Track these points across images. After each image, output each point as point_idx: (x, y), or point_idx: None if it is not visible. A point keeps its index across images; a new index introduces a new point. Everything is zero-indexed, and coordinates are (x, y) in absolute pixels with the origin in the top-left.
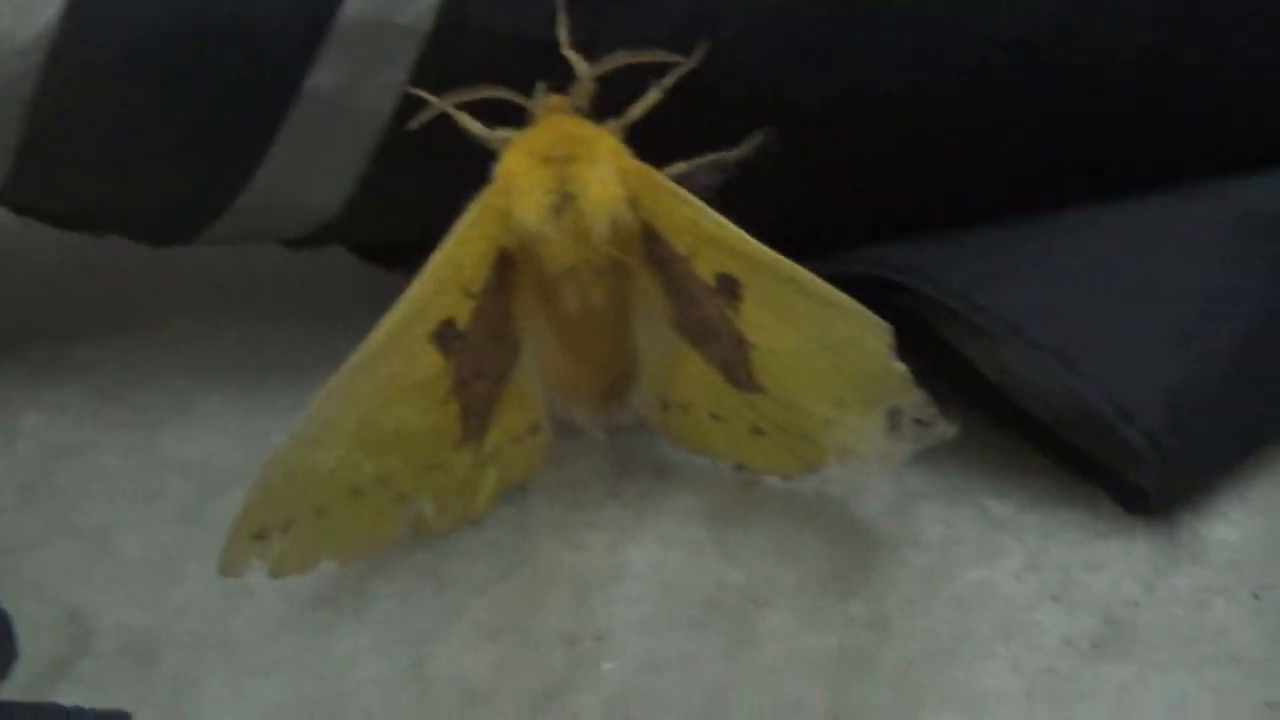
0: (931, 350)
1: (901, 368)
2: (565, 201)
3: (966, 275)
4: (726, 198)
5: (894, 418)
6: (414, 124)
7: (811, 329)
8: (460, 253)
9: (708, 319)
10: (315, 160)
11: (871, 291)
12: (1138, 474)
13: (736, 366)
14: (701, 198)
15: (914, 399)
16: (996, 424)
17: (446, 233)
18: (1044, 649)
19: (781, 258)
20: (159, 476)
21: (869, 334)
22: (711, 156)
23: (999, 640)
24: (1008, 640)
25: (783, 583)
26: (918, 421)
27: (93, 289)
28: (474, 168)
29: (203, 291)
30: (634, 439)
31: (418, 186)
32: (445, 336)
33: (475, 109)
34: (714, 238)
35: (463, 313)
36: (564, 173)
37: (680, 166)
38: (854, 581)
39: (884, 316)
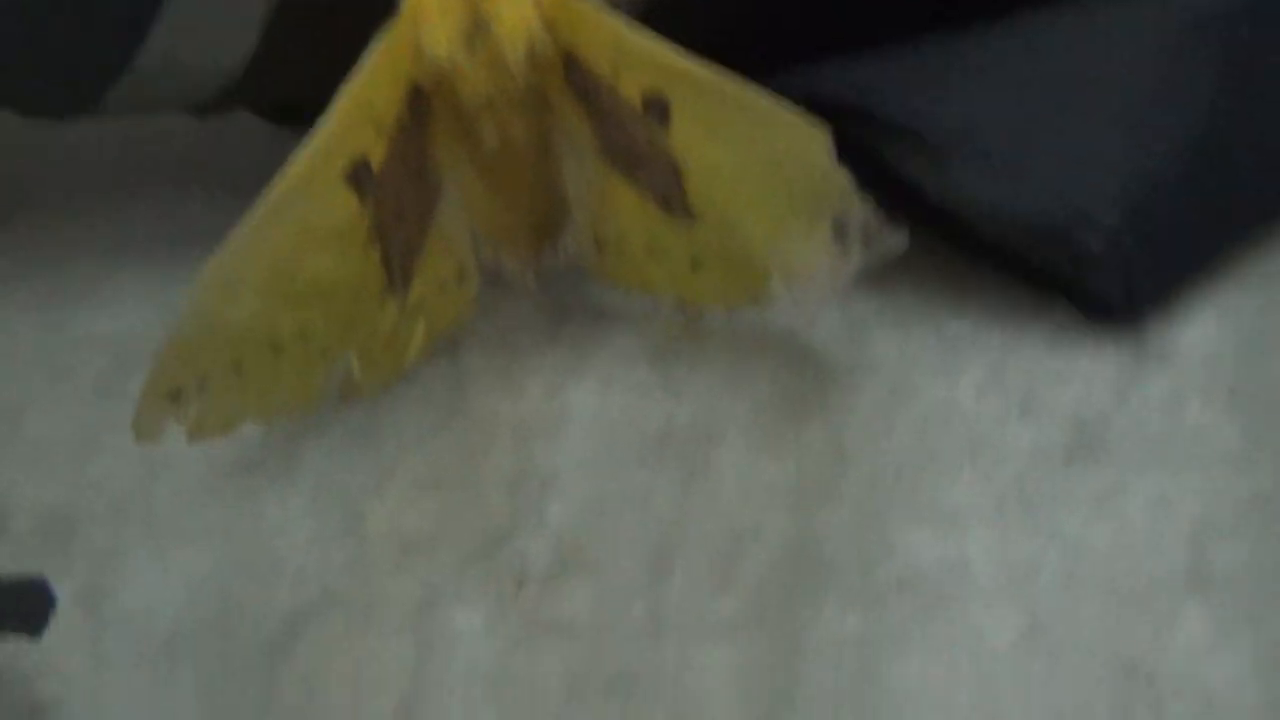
0: (873, 176)
1: (844, 174)
2: (477, 29)
3: (906, 90)
4: (649, 23)
5: (840, 229)
6: None
7: (747, 144)
8: (368, 88)
9: (636, 144)
10: (213, 15)
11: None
12: (1099, 280)
13: (670, 193)
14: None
15: (859, 207)
16: (947, 244)
17: None
18: (1014, 461)
19: (711, 71)
20: (71, 353)
21: (807, 142)
22: None
23: (966, 457)
24: (975, 456)
25: (734, 415)
26: (864, 231)
27: None
28: (381, 17)
29: (107, 167)
30: (568, 282)
31: (322, 39)
32: (359, 177)
33: None
34: (638, 54)
35: (376, 151)
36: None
37: None
38: (809, 407)
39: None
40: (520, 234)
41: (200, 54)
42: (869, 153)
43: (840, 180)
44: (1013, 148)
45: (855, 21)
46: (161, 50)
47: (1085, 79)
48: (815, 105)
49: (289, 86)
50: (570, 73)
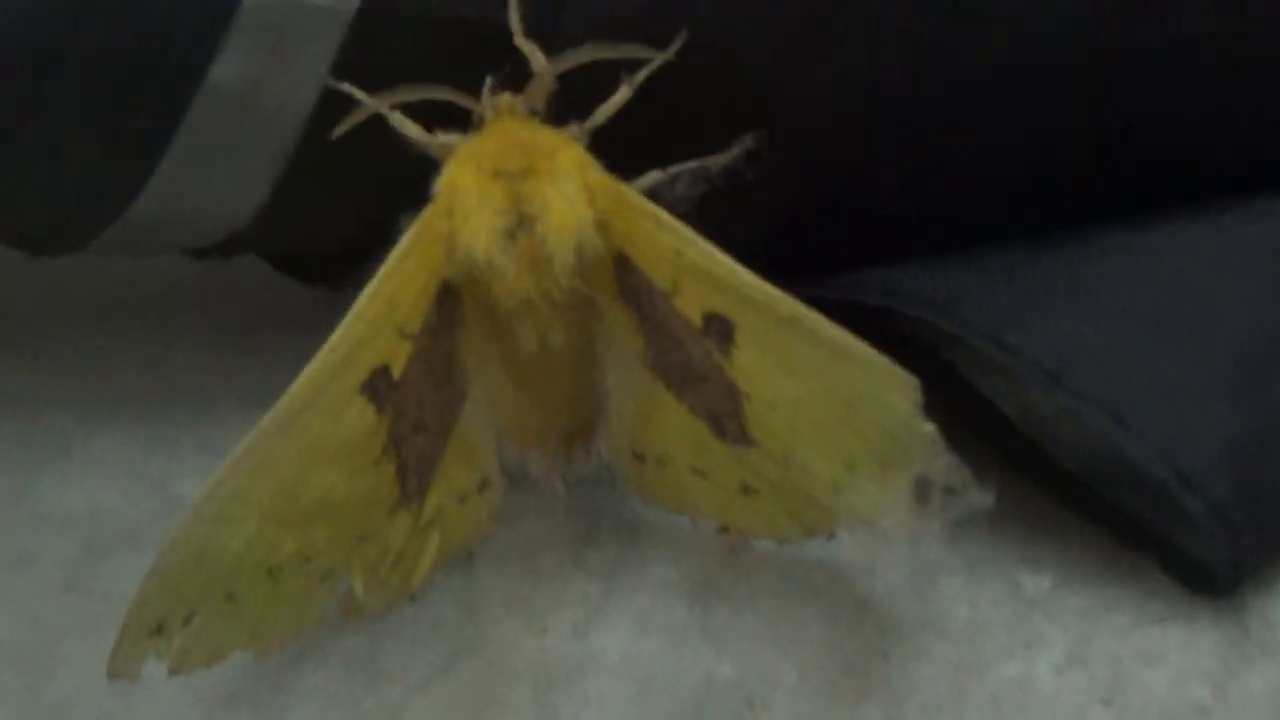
0: (946, 387)
1: (930, 428)
2: (521, 225)
3: (991, 309)
4: (707, 212)
5: (921, 487)
6: (342, 127)
7: (819, 379)
8: (395, 288)
9: (692, 362)
10: (222, 163)
11: (876, 318)
12: (1199, 548)
13: (726, 417)
14: (679, 212)
15: (944, 464)
16: (1027, 480)
17: (374, 245)
18: None
19: (782, 295)
20: (34, 535)
21: (891, 388)
22: (691, 164)
23: None
24: None
25: (782, 678)
26: (947, 490)
27: None
28: (410, 173)
29: (91, 304)
30: (600, 494)
31: (341, 196)
32: (378, 387)
33: (412, 107)
34: (701, 270)
35: (398, 358)
36: (519, 189)
37: (654, 176)
38: (868, 678)
39: (889, 346)
40: (551, 437)
41: (204, 204)
42: (943, 366)
43: (925, 433)
44: (1111, 384)
45: (935, 222)
46: (161, 198)
47: (1194, 311)
48: (887, 315)
49: (298, 239)
50: (622, 274)
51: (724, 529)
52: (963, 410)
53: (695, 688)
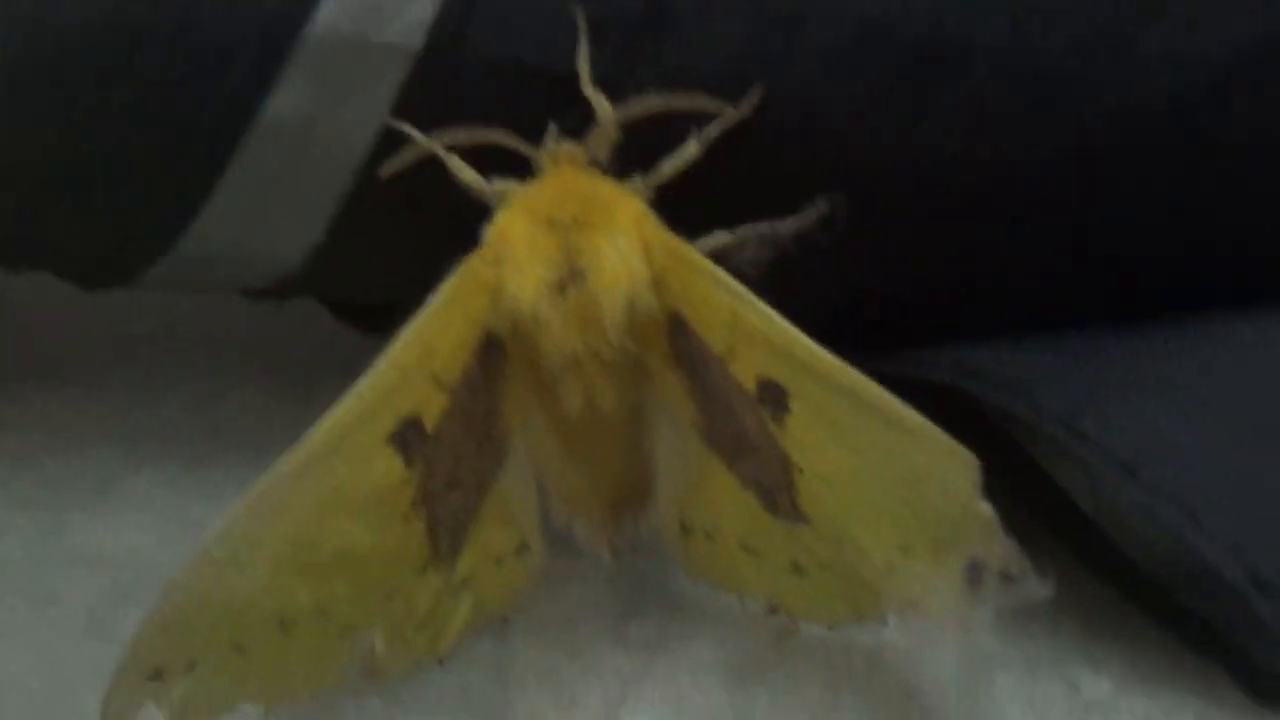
0: (1017, 477)
1: (988, 510)
2: (572, 278)
3: (1067, 394)
4: (775, 279)
5: (974, 571)
6: (392, 166)
7: (876, 454)
8: (433, 334)
9: (745, 432)
10: (274, 202)
11: (945, 399)
12: (1271, 656)
13: (777, 491)
14: (745, 277)
15: (1000, 549)
16: (1092, 574)
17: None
18: None
19: (842, 364)
20: (63, 573)
21: (950, 467)
22: (761, 227)
23: None
24: None
25: None
26: (1003, 576)
27: (11, 333)
28: (465, 223)
29: (146, 341)
30: (645, 565)
31: (395, 241)
32: (408, 438)
33: (470, 152)
34: (758, 334)
35: (432, 409)
36: (573, 241)
37: (721, 238)
38: None
39: (961, 430)
40: (598, 502)
41: (254, 245)
42: (1017, 454)
43: (983, 515)
44: (1187, 480)
45: (1014, 303)
46: (210, 235)
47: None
48: (956, 391)
49: (351, 285)
50: (676, 337)
51: (773, 610)
52: (1032, 501)
53: None
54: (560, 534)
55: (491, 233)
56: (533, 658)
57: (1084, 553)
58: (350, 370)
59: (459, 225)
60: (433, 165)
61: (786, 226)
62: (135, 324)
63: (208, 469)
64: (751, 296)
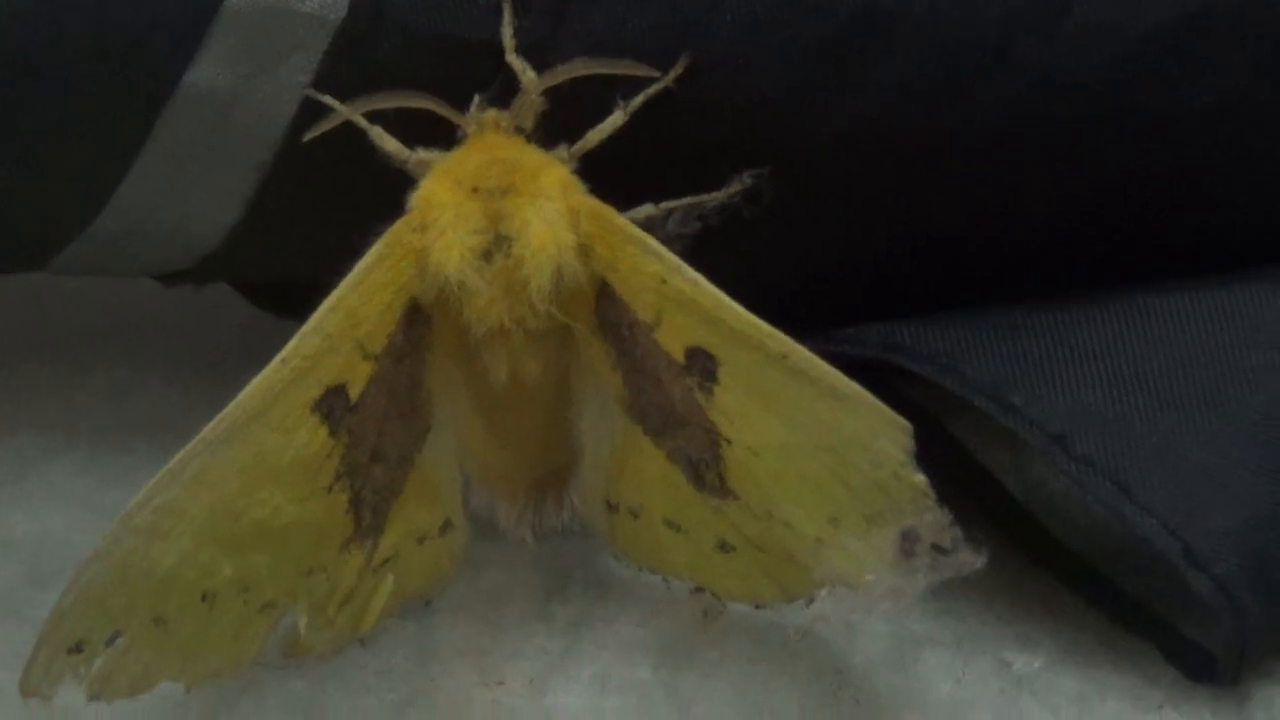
0: (943, 459)
1: (920, 478)
2: (498, 244)
3: (996, 368)
4: (700, 253)
5: (908, 542)
6: (312, 134)
7: (806, 423)
8: (358, 301)
9: (671, 404)
10: (194, 177)
11: (870, 378)
12: (1204, 633)
13: (705, 466)
14: (670, 251)
15: (933, 520)
16: (1021, 554)
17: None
18: None
19: (772, 330)
20: None
21: (882, 434)
22: (686, 200)
23: None
24: None
25: None
26: (935, 548)
27: None
28: (390, 196)
29: (59, 330)
30: (569, 546)
31: (317, 216)
32: (332, 407)
33: (393, 122)
34: (687, 301)
35: (357, 378)
36: (498, 208)
37: (646, 209)
38: None
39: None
40: (520, 483)
41: (174, 222)
42: (933, 428)
43: (916, 484)
44: (1120, 453)
45: (943, 277)
46: (129, 211)
47: (1215, 381)
48: (881, 367)
49: (271, 264)
50: (603, 304)
51: (698, 589)
52: (959, 483)
53: None
54: (482, 517)
55: (416, 200)
56: (457, 638)
57: (1012, 533)
58: (262, 356)
59: (381, 202)
60: (354, 139)
61: (712, 200)
62: (47, 312)
63: (122, 455)
64: (680, 263)
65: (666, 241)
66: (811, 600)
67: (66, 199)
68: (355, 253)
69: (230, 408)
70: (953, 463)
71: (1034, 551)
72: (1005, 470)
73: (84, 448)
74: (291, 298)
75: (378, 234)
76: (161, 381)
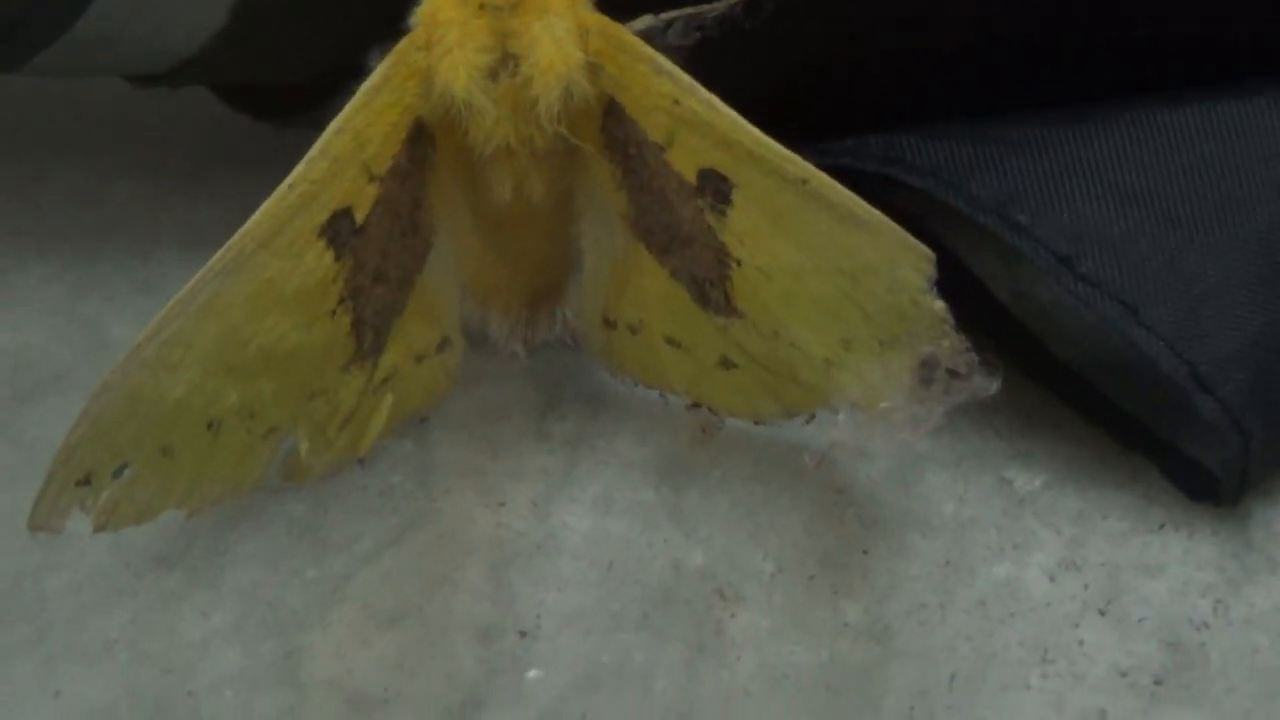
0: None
1: (940, 305)
2: (505, 63)
3: (1000, 184)
4: (697, 65)
5: (926, 369)
6: None
7: (822, 247)
8: (364, 124)
9: (679, 224)
10: None
11: (870, 190)
12: (1205, 451)
13: (711, 284)
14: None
15: (951, 345)
16: (1019, 370)
17: (340, 79)
18: (1092, 682)
19: (791, 154)
20: None
21: (902, 261)
22: (686, 11)
23: (1034, 666)
24: (1045, 666)
25: (755, 568)
26: (951, 373)
27: None
28: (379, 7)
29: (25, 132)
30: (562, 360)
31: (305, 25)
32: (338, 230)
33: None
34: (701, 122)
35: (363, 200)
36: (505, 25)
37: (646, 20)
38: (847, 573)
39: None
40: (516, 296)
41: (156, 23)
42: (923, 236)
43: (934, 310)
44: (1125, 272)
45: (946, 83)
46: (105, 20)
47: (1221, 205)
48: (874, 177)
49: (255, 68)
50: (610, 124)
51: (695, 405)
52: (953, 294)
53: (662, 574)
54: (474, 331)
55: (420, 16)
56: (456, 457)
57: (1012, 352)
58: (242, 160)
59: (369, 10)
60: None
61: (712, 10)
62: (12, 117)
63: (97, 263)
64: (694, 83)
65: (665, 53)
66: (811, 417)
67: (43, 5)
68: (353, 57)
69: (237, 236)
70: (942, 269)
71: (1027, 364)
72: (996, 280)
73: (56, 256)
74: (270, 99)
75: (380, 53)
76: (131, 183)
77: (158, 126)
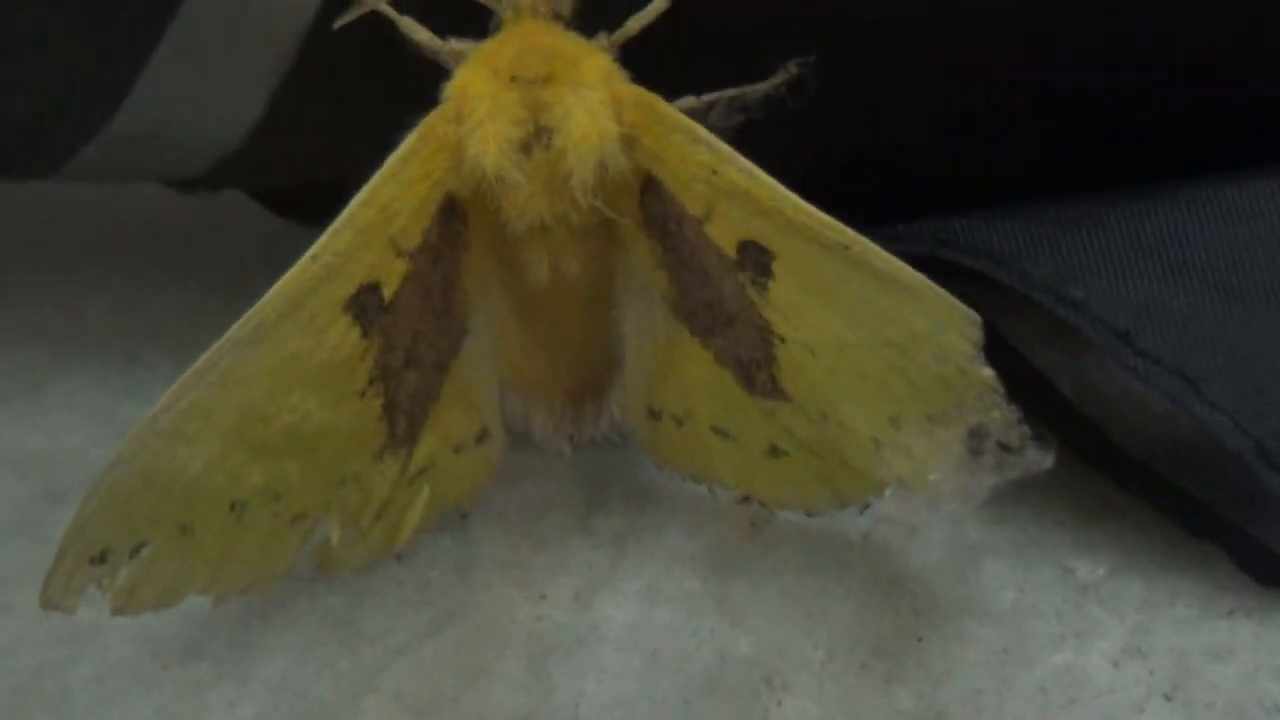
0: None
1: (989, 373)
2: (537, 136)
3: (1055, 262)
4: (742, 147)
5: (975, 440)
6: (340, 22)
7: (867, 318)
8: (391, 196)
9: (721, 301)
10: (214, 71)
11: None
12: (1275, 535)
13: (756, 366)
14: None
15: (1001, 416)
16: (1080, 459)
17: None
18: None
19: (832, 220)
20: None
21: (950, 326)
22: (730, 92)
23: None
24: None
25: (805, 657)
26: (1002, 446)
27: None
28: (420, 90)
29: (70, 240)
30: (608, 457)
31: (344, 113)
32: (365, 306)
33: (424, 10)
34: (740, 191)
35: (391, 276)
36: (538, 98)
37: (688, 101)
38: (900, 661)
39: None
40: (559, 390)
41: (193, 121)
42: (994, 338)
43: (984, 379)
44: (1186, 347)
45: (995, 170)
46: (147, 109)
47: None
48: (928, 264)
49: (295, 166)
50: (648, 200)
51: (745, 499)
52: (1012, 386)
53: (708, 663)
54: (517, 428)
55: (451, 90)
56: (496, 551)
57: (1067, 437)
58: (281, 263)
59: (410, 96)
60: (382, 29)
61: (755, 90)
62: (58, 223)
63: (137, 368)
64: (732, 152)
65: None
66: (866, 507)
67: (79, 99)
68: (388, 147)
69: (258, 306)
70: (1006, 364)
71: (1091, 456)
72: (1059, 372)
73: (99, 361)
74: (313, 203)
75: (411, 126)
76: (175, 292)
77: (200, 234)
